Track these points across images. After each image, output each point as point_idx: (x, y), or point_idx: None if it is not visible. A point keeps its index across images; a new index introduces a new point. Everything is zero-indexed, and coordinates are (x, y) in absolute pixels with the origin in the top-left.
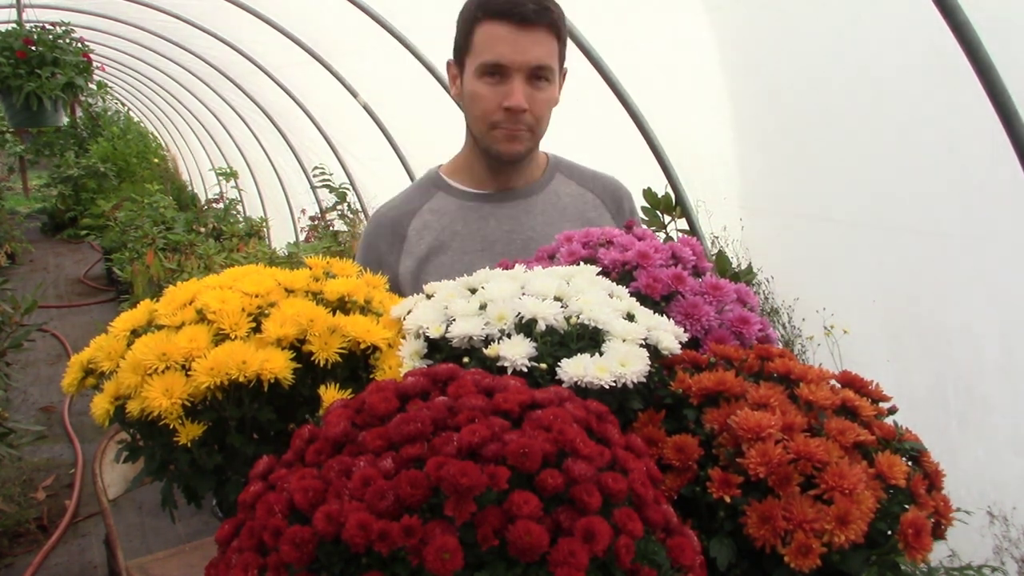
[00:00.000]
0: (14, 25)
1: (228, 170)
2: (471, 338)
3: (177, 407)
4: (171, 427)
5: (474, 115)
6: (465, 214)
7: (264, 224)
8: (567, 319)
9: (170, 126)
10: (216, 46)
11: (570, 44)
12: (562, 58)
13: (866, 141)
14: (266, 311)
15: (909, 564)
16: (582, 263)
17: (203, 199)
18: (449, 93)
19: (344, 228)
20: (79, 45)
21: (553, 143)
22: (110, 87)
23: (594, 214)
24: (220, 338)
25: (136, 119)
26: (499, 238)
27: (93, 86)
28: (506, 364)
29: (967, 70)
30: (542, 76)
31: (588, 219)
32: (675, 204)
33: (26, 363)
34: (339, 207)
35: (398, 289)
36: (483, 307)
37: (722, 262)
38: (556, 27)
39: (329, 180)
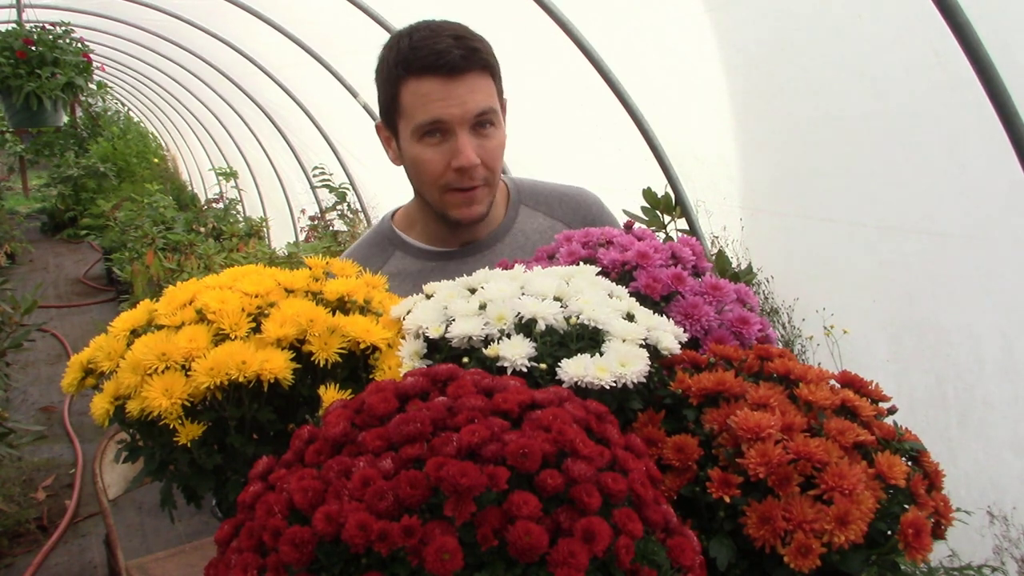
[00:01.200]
0: (14, 25)
1: (228, 170)
2: (471, 338)
3: (177, 407)
4: (171, 427)
5: (422, 181)
6: (428, 276)
7: (264, 224)
8: (567, 319)
9: (170, 126)
10: (216, 46)
11: (570, 44)
12: (501, 92)
13: (866, 141)
14: (266, 311)
15: (909, 564)
16: (582, 263)
17: (203, 199)
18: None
19: (344, 228)
20: (79, 45)
21: (554, 144)
22: (110, 87)
23: None
24: (220, 338)
25: (136, 119)
26: None
27: (93, 86)
28: (506, 364)
29: (967, 70)
30: (487, 121)
31: None
32: (675, 204)
33: (26, 363)
34: (339, 207)
35: None
36: (483, 307)
37: (722, 262)
38: (489, 65)
39: (329, 180)
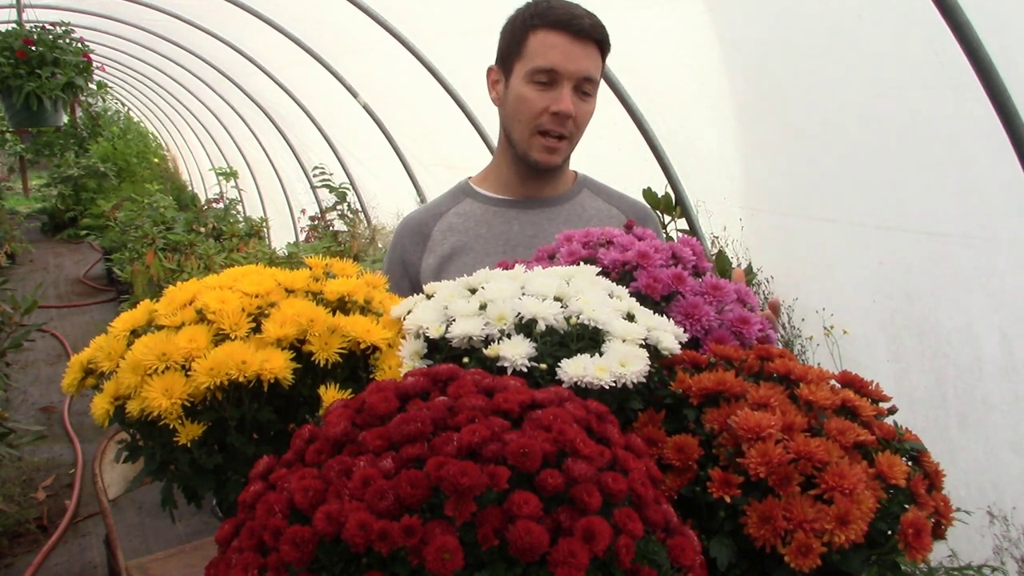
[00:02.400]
0: (14, 25)
1: (228, 170)
2: (471, 338)
3: (177, 407)
4: (171, 427)
5: (518, 118)
6: (490, 218)
7: (264, 224)
8: (567, 319)
9: (170, 126)
10: (216, 46)
11: None
12: (602, 73)
13: (866, 141)
14: (266, 311)
15: (909, 564)
16: (582, 263)
17: (203, 199)
18: (459, 102)
19: (344, 228)
20: (79, 45)
21: None
22: (110, 87)
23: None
24: (220, 338)
25: (136, 119)
26: (521, 242)
27: (93, 86)
28: (506, 364)
29: (967, 70)
30: (587, 89)
31: None
32: (675, 204)
33: (26, 363)
34: (339, 207)
35: (420, 287)
36: (483, 307)
37: (722, 262)
38: (605, 44)
39: (329, 180)
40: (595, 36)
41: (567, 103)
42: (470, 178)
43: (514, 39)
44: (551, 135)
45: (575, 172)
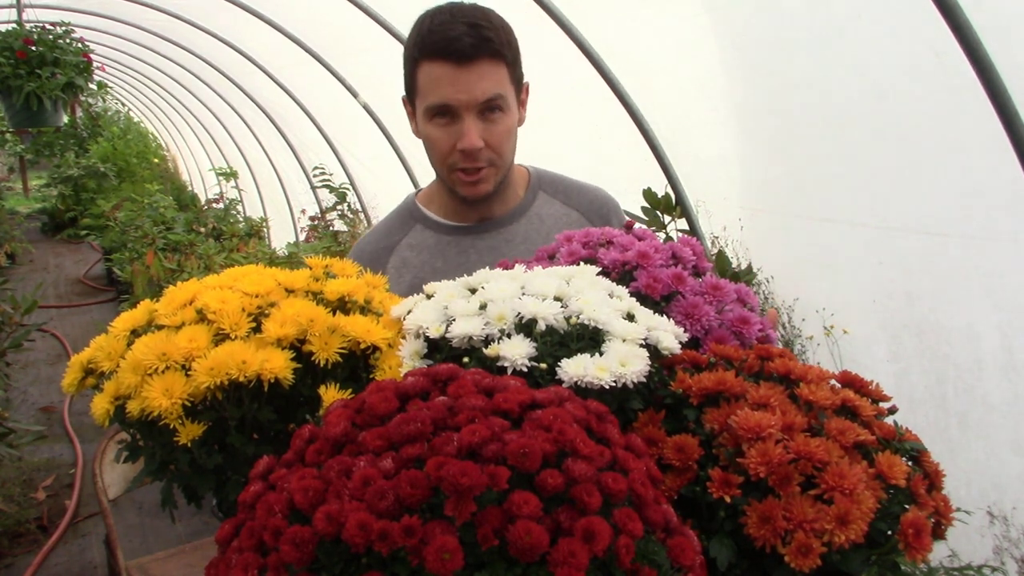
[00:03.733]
0: (14, 25)
1: (228, 170)
2: (471, 338)
3: (177, 407)
4: (171, 427)
5: (432, 158)
6: (444, 248)
7: (264, 224)
8: (567, 319)
9: (170, 126)
10: (216, 46)
11: (570, 44)
12: (517, 78)
13: (866, 141)
14: (266, 311)
15: (909, 564)
16: (582, 263)
17: (203, 199)
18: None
19: (344, 228)
20: (79, 45)
21: (553, 144)
22: (110, 87)
23: None
24: (220, 338)
25: (136, 119)
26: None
27: (93, 86)
28: (506, 364)
29: (967, 70)
30: (495, 107)
31: None
32: (675, 204)
33: (26, 363)
34: (339, 207)
35: None
36: (483, 307)
37: (722, 262)
38: (500, 54)
39: (329, 180)
40: (483, 53)
41: (470, 138)
42: (417, 194)
43: (408, 73)
44: (468, 171)
45: (527, 171)
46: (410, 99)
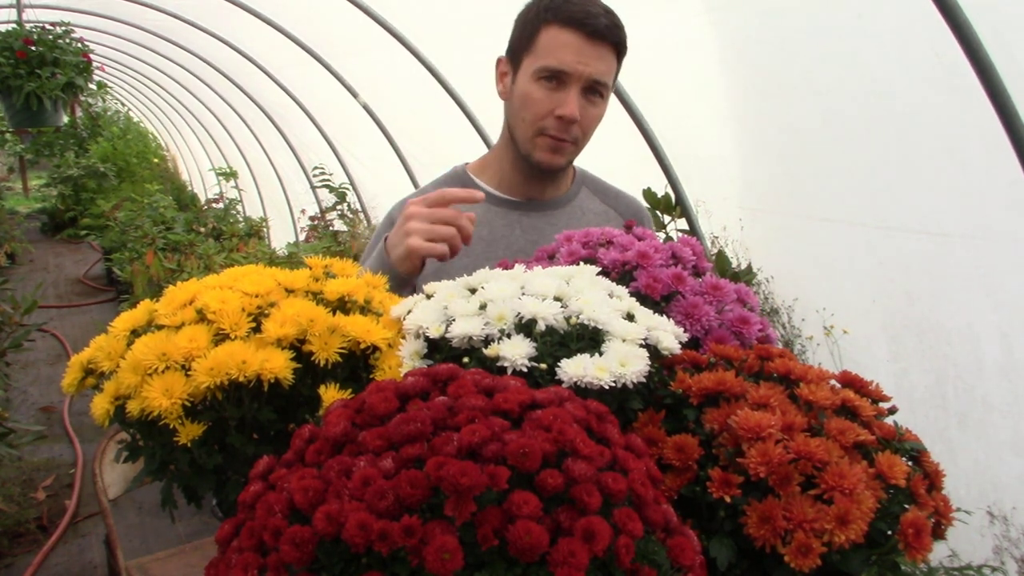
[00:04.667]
0: (14, 25)
1: (228, 170)
2: (471, 338)
3: (177, 407)
4: (171, 427)
5: (522, 117)
6: (491, 219)
7: (264, 224)
8: (567, 319)
9: (170, 126)
10: (216, 46)
11: None
12: (616, 77)
13: (866, 141)
14: (266, 311)
15: (909, 564)
16: (582, 263)
17: (203, 199)
18: (460, 102)
19: (344, 228)
20: (79, 45)
21: None
22: (110, 87)
23: None
24: (220, 338)
25: (136, 119)
26: (523, 248)
27: (93, 86)
28: (506, 364)
29: (967, 70)
30: (597, 91)
31: None
32: (675, 204)
33: (26, 363)
34: (339, 207)
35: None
36: (483, 307)
37: (722, 262)
38: (621, 46)
39: (329, 180)
40: (611, 38)
41: (572, 108)
42: (467, 164)
43: (525, 32)
44: (555, 138)
45: (574, 168)
46: (515, 58)
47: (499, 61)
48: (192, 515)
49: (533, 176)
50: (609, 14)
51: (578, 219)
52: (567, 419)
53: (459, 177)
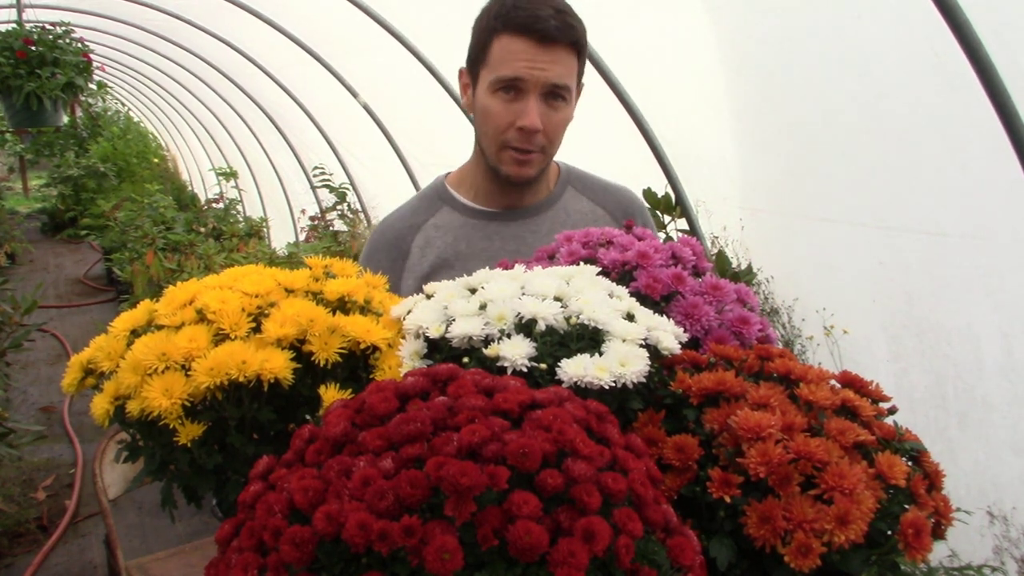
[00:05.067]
0: (14, 25)
1: (228, 170)
2: (471, 338)
3: (177, 407)
4: (171, 427)
5: (485, 131)
6: (469, 232)
7: (264, 224)
8: (567, 319)
9: (170, 126)
10: (216, 46)
11: None
12: (580, 76)
13: (866, 141)
14: (266, 311)
15: (909, 564)
16: (582, 263)
17: (203, 199)
18: (459, 103)
19: (344, 228)
20: (79, 45)
21: None
22: (110, 87)
23: None
24: (220, 338)
25: (136, 119)
26: (503, 258)
27: (93, 86)
28: (506, 364)
29: (967, 70)
30: (559, 95)
31: None
32: (675, 204)
33: (26, 363)
34: (339, 207)
35: None
36: (483, 307)
37: (722, 262)
38: (578, 44)
39: (329, 180)
40: (565, 38)
41: (532, 118)
42: (447, 177)
43: (479, 43)
44: (519, 151)
45: (558, 166)
46: (472, 70)
47: (460, 73)
48: (192, 515)
49: (507, 187)
50: (561, 13)
51: (562, 222)
52: (567, 419)
53: (439, 194)
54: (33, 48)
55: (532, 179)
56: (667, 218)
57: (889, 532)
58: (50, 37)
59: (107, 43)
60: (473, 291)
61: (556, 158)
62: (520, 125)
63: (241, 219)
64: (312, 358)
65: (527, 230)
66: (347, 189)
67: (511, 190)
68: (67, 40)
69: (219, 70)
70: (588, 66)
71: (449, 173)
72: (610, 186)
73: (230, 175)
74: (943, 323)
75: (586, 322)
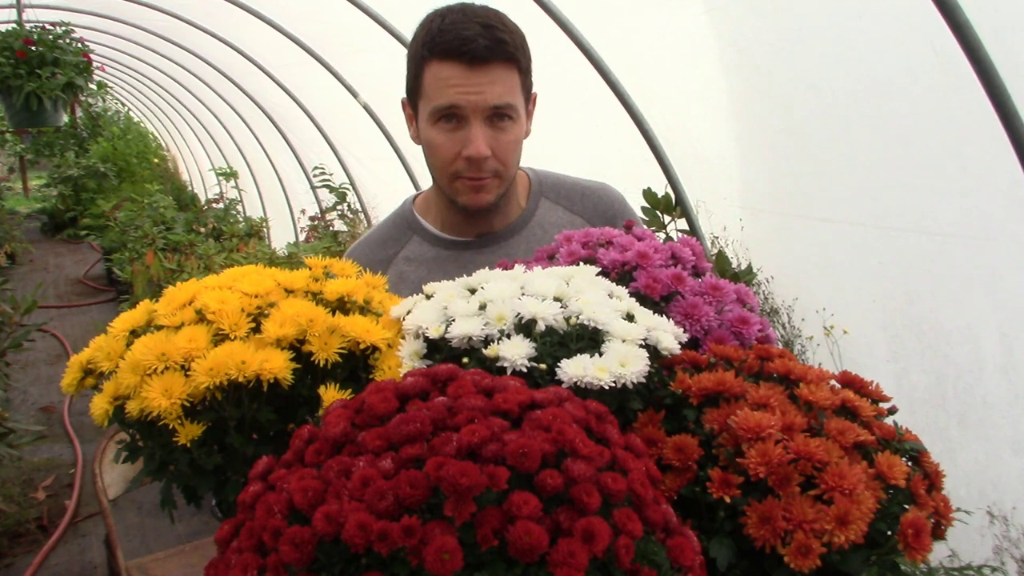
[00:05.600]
0: (14, 25)
1: (228, 170)
2: (470, 338)
3: (176, 407)
4: (170, 427)
5: (433, 164)
6: (443, 263)
7: (264, 224)
8: (567, 319)
9: (170, 126)
10: (216, 46)
11: (570, 44)
12: (528, 87)
13: (866, 140)
14: (266, 311)
15: (909, 564)
16: (582, 263)
17: (203, 199)
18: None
19: (344, 228)
20: (79, 45)
21: (553, 145)
22: (110, 87)
23: None
24: (220, 338)
25: (136, 119)
26: None
27: (93, 86)
28: (505, 364)
29: (967, 70)
30: (503, 115)
31: None
32: (675, 204)
33: (26, 363)
34: (339, 207)
35: None
36: (483, 307)
37: (722, 262)
38: (514, 59)
39: (329, 180)
40: (498, 57)
41: (477, 145)
42: (414, 201)
43: (412, 73)
44: (472, 178)
45: (527, 176)
46: (412, 101)
47: (403, 104)
48: (192, 515)
49: (470, 216)
50: (489, 28)
51: (539, 239)
52: (567, 419)
53: (407, 222)
54: (33, 48)
55: (492, 205)
56: (667, 218)
57: (889, 532)
58: (50, 37)
59: (107, 43)
60: (473, 291)
61: (532, 164)
62: (466, 155)
63: (241, 219)
64: (312, 358)
65: (503, 254)
66: (347, 189)
67: (477, 218)
68: (67, 40)
69: (219, 70)
70: (588, 65)
71: (417, 195)
72: (587, 189)
73: (230, 175)
74: (943, 323)
75: (586, 322)
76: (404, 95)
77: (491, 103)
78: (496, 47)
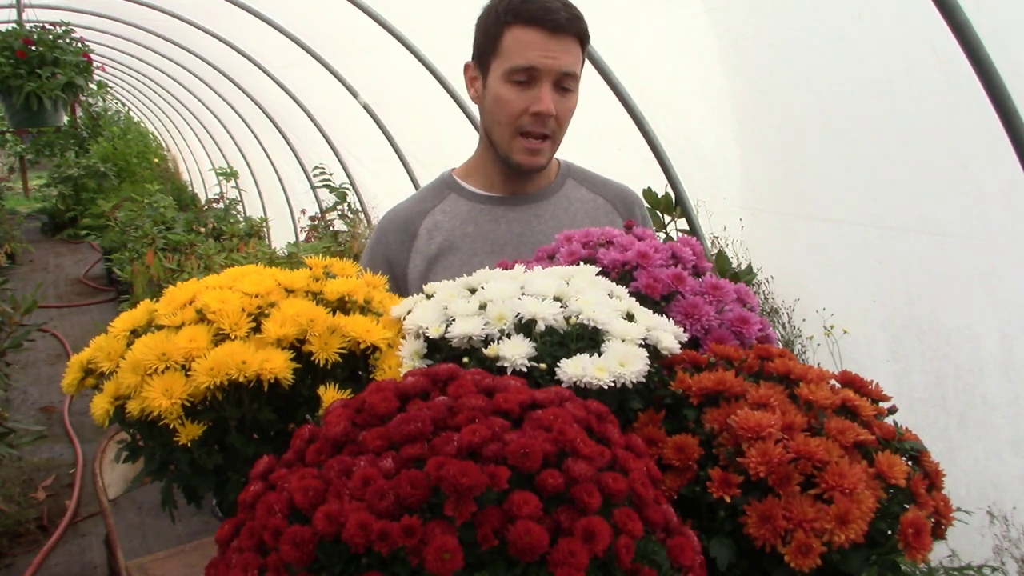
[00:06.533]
0: (14, 25)
1: (228, 170)
2: (471, 338)
3: (177, 407)
4: (171, 427)
5: (498, 119)
6: (476, 216)
7: (264, 224)
8: (567, 319)
9: (170, 126)
10: (216, 46)
11: None
12: (583, 65)
13: (866, 141)
14: (266, 311)
15: (909, 564)
16: (582, 263)
17: (203, 199)
18: (459, 102)
19: (344, 228)
20: (79, 45)
21: None
22: (110, 87)
23: (605, 220)
24: (220, 338)
25: (136, 119)
26: (509, 241)
27: (93, 86)
28: (506, 364)
29: (967, 70)
30: (568, 83)
31: (599, 224)
32: (675, 204)
33: (26, 363)
34: (339, 207)
35: (406, 287)
36: (483, 307)
37: (722, 262)
38: (584, 36)
39: (329, 180)
40: (573, 30)
41: (547, 103)
42: (453, 170)
43: (488, 36)
44: (533, 136)
45: (557, 161)
46: (481, 61)
47: (467, 67)
48: (192, 515)
49: (515, 176)
50: (568, 7)
51: (564, 208)
52: (567, 419)
53: (446, 183)
54: (33, 48)
55: (542, 167)
56: (667, 218)
57: (889, 532)
58: (50, 37)
59: (107, 43)
60: (473, 291)
61: (556, 155)
62: (535, 110)
63: (241, 219)
64: (312, 358)
65: (532, 215)
66: (347, 189)
67: (518, 179)
68: (67, 40)
69: (219, 70)
70: (588, 66)
71: (455, 168)
72: (608, 180)
73: (230, 175)
74: (943, 323)
75: (586, 322)
76: (470, 59)
77: (563, 69)
78: (574, 21)
